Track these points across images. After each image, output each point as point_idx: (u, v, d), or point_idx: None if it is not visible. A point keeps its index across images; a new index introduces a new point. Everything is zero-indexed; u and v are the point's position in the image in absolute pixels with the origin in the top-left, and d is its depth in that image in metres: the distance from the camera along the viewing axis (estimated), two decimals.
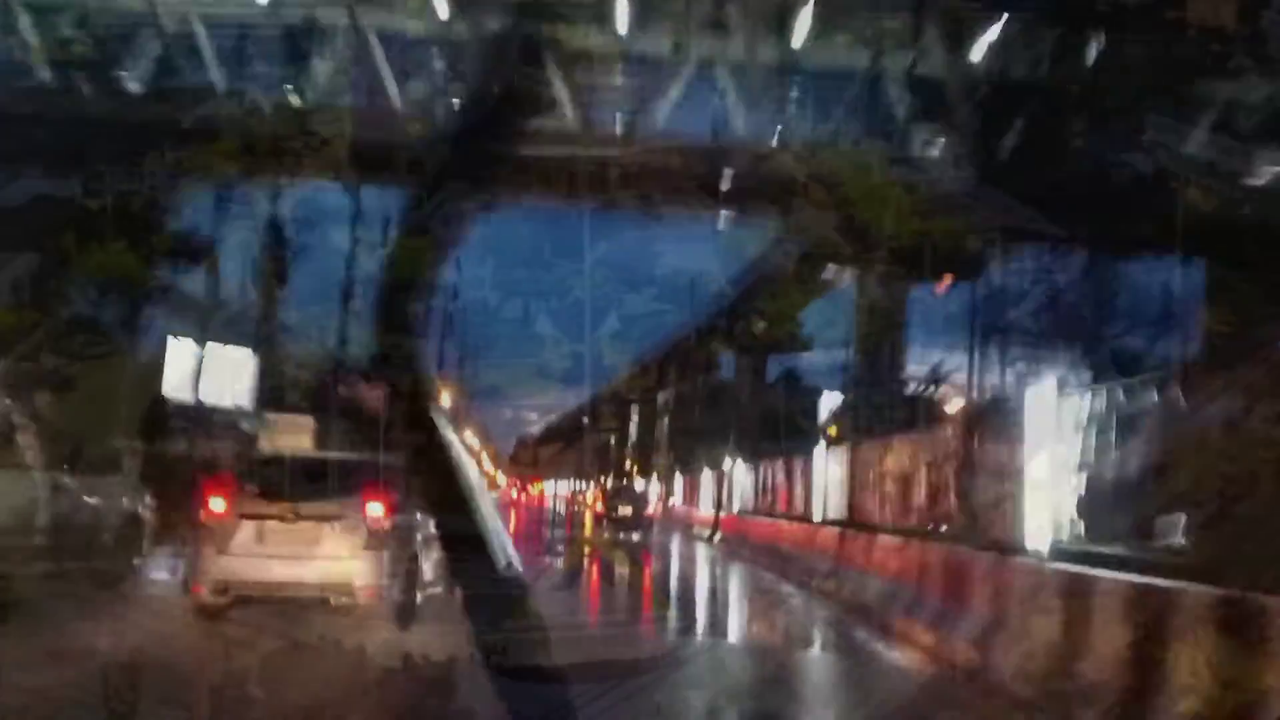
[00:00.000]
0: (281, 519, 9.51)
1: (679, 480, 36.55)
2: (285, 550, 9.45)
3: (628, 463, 54.37)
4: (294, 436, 17.34)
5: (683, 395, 40.64)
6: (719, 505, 27.54)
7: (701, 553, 25.24)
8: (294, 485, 9.79)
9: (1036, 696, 7.10)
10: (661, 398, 47.31)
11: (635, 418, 53.54)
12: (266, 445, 17.91)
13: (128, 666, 6.34)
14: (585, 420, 60.99)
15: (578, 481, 59.53)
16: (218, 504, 9.60)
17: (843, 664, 10.35)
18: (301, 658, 7.92)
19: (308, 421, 18.53)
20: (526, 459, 64.87)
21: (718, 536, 25.42)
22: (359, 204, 19.43)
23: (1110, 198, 15.90)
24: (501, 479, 69.11)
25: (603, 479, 40.72)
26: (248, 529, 9.47)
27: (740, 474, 26.56)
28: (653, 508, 32.01)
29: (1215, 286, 16.41)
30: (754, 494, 25.16)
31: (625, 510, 28.40)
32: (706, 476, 30.47)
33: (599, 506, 30.50)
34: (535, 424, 62.00)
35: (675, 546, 28.59)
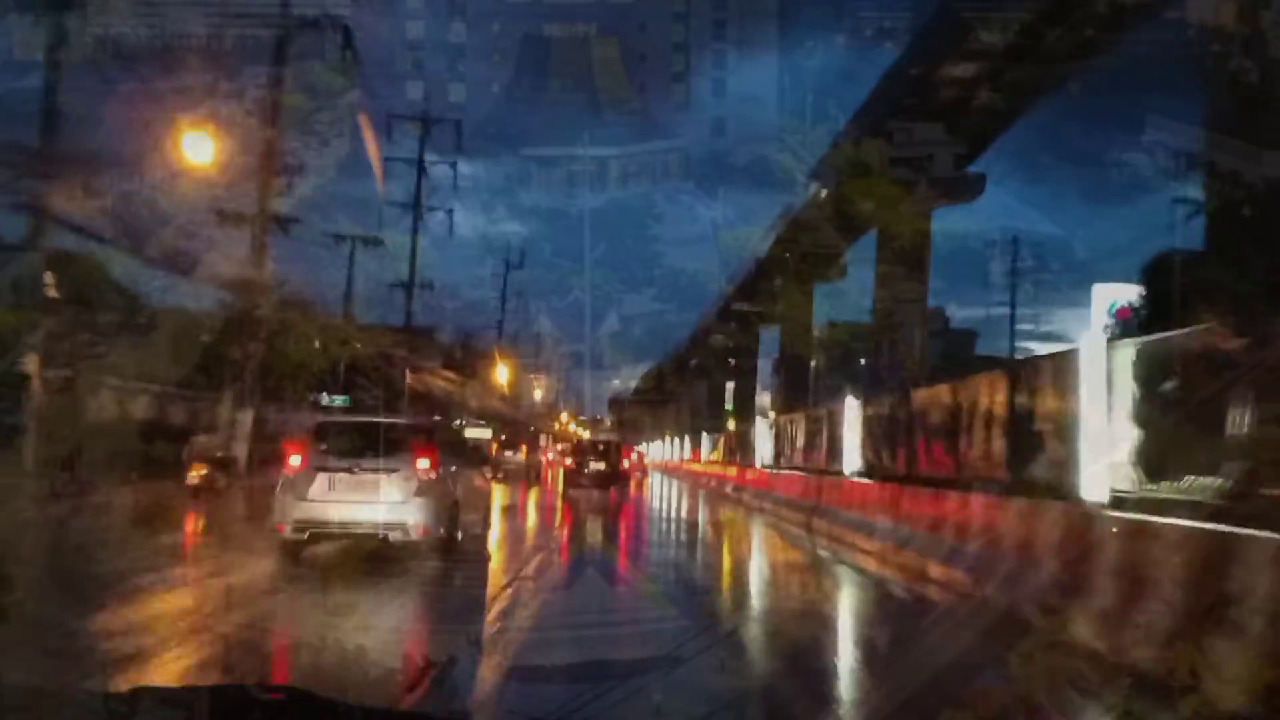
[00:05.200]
0: (348, 471, 11.64)
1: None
2: (352, 497, 11.59)
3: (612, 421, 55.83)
4: None
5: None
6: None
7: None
8: (357, 444, 11.94)
9: None
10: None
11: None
12: None
13: None
14: (660, 383, 63.88)
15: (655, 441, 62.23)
16: (295, 459, 11.81)
17: None
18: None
19: None
20: (620, 420, 68.92)
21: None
22: None
23: None
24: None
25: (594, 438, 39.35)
26: (321, 479, 11.63)
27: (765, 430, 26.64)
28: (629, 464, 30.91)
29: None
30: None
31: (597, 466, 26.68)
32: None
33: (568, 462, 29.05)
34: (629, 390, 66.22)
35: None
